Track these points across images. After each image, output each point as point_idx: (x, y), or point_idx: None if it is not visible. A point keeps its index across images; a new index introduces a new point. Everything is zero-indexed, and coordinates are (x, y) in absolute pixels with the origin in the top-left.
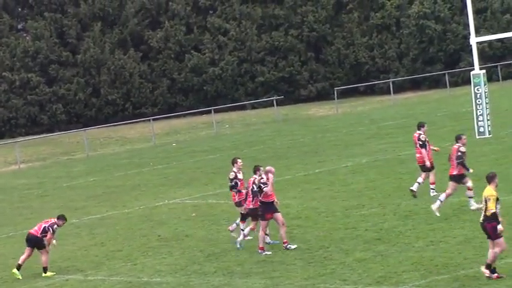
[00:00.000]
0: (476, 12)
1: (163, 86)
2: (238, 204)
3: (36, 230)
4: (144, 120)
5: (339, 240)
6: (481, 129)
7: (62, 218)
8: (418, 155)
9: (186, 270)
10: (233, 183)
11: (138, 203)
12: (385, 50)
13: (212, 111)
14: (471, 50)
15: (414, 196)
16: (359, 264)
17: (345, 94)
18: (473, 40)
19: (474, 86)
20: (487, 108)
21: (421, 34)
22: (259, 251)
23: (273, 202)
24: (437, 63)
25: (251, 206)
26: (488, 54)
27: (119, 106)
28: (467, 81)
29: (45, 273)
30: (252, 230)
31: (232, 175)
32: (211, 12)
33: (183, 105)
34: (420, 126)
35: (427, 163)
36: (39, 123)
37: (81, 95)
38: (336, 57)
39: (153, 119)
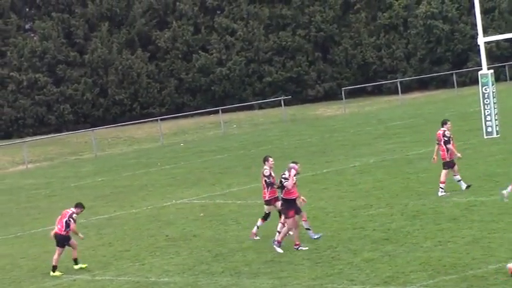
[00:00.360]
0: (484, 12)
1: (170, 86)
2: (268, 202)
3: (59, 228)
4: (151, 120)
5: (347, 240)
6: (489, 129)
7: (79, 206)
8: (441, 152)
9: (193, 270)
10: (271, 180)
11: (146, 203)
12: (392, 50)
13: (220, 111)
14: (479, 50)
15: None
16: (367, 265)
17: (352, 94)
18: (481, 40)
19: (482, 86)
20: (494, 108)
21: (428, 34)
22: (275, 243)
23: (295, 200)
24: (445, 63)
25: None
26: (495, 54)
27: (127, 106)
28: (475, 81)
29: (53, 272)
30: (304, 221)
31: (267, 172)
32: (218, 12)
33: (190, 105)
34: (444, 123)
35: (458, 154)
36: (46, 123)
37: (88, 95)
38: (343, 57)
39: (161, 119)
